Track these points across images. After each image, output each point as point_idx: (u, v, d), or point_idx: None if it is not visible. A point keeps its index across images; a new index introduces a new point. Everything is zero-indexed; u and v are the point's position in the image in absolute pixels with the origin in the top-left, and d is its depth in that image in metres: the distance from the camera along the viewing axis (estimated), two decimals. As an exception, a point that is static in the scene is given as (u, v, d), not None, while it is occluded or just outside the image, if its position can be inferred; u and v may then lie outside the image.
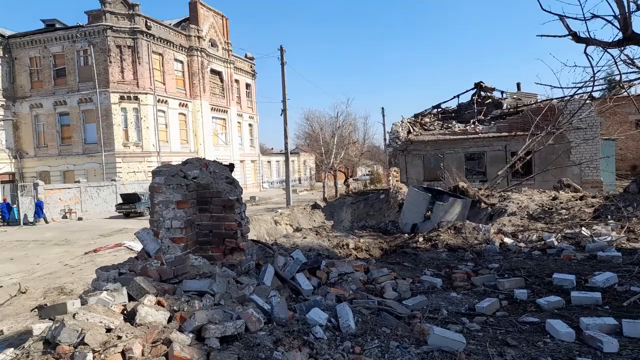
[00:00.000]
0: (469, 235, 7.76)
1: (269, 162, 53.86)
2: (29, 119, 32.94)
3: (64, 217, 24.47)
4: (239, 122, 44.66)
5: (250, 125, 47.57)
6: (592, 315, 3.90)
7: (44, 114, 32.85)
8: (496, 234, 7.91)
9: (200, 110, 37.58)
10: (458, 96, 26.18)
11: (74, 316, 2.64)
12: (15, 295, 7.58)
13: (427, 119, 25.62)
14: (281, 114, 23.46)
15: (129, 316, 2.97)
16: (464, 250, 7.11)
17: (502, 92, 25.87)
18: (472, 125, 22.63)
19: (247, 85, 47.62)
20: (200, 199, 4.85)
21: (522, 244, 7.12)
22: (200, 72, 37.74)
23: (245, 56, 47.44)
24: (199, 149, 37.25)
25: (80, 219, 23.92)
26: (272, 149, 61.95)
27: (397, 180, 20.75)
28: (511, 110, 23.22)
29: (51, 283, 8.68)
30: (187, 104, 36.92)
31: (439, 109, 26.60)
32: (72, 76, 31.83)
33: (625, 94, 10.33)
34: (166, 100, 34.48)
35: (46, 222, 22.43)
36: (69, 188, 27.08)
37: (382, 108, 60.43)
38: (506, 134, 20.73)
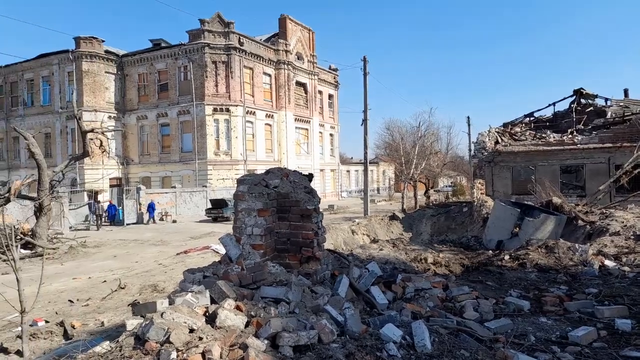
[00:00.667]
0: (563, 256, 7.10)
1: (347, 171, 54.15)
2: (136, 129, 36.52)
3: (161, 219, 26.67)
4: (320, 132, 45.55)
5: (331, 135, 48.29)
6: None
7: (148, 125, 36.23)
8: (595, 255, 7.17)
9: (285, 120, 38.97)
10: (554, 104, 24.34)
11: (161, 315, 2.85)
12: (115, 290, 8.38)
13: (517, 129, 24.11)
14: (362, 124, 23.51)
15: (210, 318, 3.14)
16: (557, 272, 6.53)
17: (606, 100, 23.57)
18: (570, 135, 20.84)
19: (330, 96, 48.49)
20: (280, 208, 5.00)
21: (626, 268, 6.38)
22: (286, 84, 39.21)
23: (330, 68, 48.40)
24: (282, 158, 38.58)
25: (174, 221, 25.91)
26: (351, 158, 62.24)
27: (481, 193, 19.73)
28: (617, 118, 21.03)
29: (146, 280, 9.48)
30: (272, 115, 38.51)
31: (532, 118, 24.91)
32: (173, 90, 34.82)
33: None
34: (254, 112, 36.30)
35: (154, 222, 24.71)
36: (165, 193, 29.50)
37: (468, 117, 57.83)
38: (610, 145, 18.80)
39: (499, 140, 22.08)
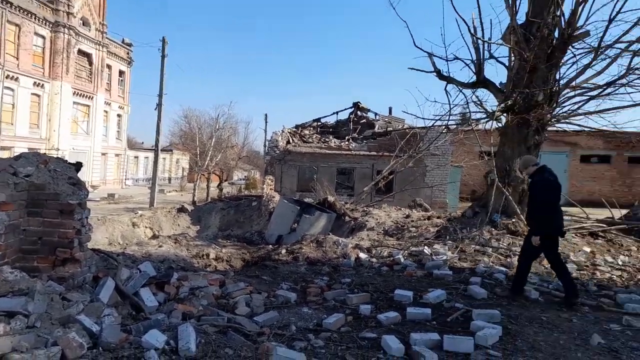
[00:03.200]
0: (329, 249, 8.07)
1: (136, 157, 49.98)
2: None
3: None
4: (105, 111, 40.70)
5: (119, 115, 43.68)
6: (422, 330, 4.29)
7: None
8: (353, 248, 8.36)
9: (60, 93, 33.34)
10: (337, 113, 27.54)
11: None
12: None
13: (307, 131, 26.38)
14: (155, 108, 21.97)
15: None
16: (323, 264, 7.36)
17: (375, 114, 27.91)
18: (347, 142, 23.92)
19: (121, 73, 43.77)
20: (33, 201, 4.21)
21: (374, 260, 7.62)
22: (65, 51, 33.61)
23: (123, 41, 43.62)
24: (52, 136, 32.94)
25: None
26: (142, 143, 57.62)
27: (271, 189, 20.88)
28: (381, 131, 25.12)
29: None
30: (43, 85, 32.49)
31: (319, 123, 27.61)
32: None
33: (472, 126, 11.85)
34: (17, 78, 29.92)
35: None
36: None
37: (266, 115, 60.71)
38: (375, 153, 22.32)
39: (290, 140, 23.77)
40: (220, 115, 29.67)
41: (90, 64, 37.92)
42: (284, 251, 8.24)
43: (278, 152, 22.22)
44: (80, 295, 3.91)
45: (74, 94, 35.41)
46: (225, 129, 30.32)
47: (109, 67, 41.08)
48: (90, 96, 37.88)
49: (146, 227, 15.43)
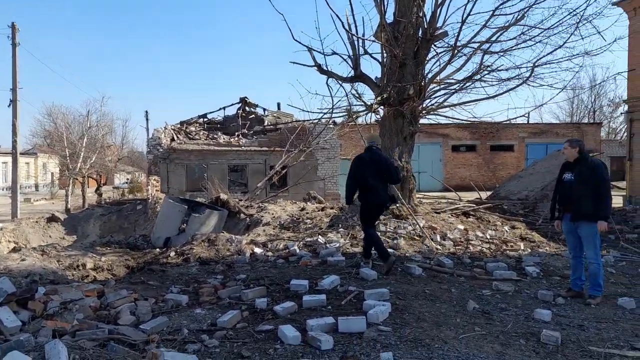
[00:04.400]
0: (222, 247, 7.80)
1: (-9, 163, 43.39)
2: None
3: None
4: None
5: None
6: (317, 316, 4.34)
7: None
8: (248, 244, 8.20)
9: None
10: (224, 108, 26.76)
11: None
12: None
13: (192, 128, 25.23)
14: (9, 105, 19.14)
15: None
16: (216, 263, 7.09)
17: (264, 109, 27.75)
18: (237, 138, 23.43)
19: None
20: None
21: (269, 253, 7.56)
22: None
23: (-37, 28, 37.25)
24: None
25: None
26: (-1, 146, 50.04)
27: (157, 190, 19.59)
28: (271, 127, 25.10)
29: None
30: None
31: (205, 119, 26.59)
32: None
33: (356, 122, 12.36)
34: None
35: None
36: None
37: (146, 112, 56.57)
38: (266, 148, 22.24)
39: (175, 137, 22.54)
40: (91, 112, 26.91)
41: None
42: (172, 253, 7.76)
43: (162, 150, 20.93)
44: None
45: None
46: (99, 128, 27.61)
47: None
48: None
49: (9, 241, 13.38)
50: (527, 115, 28.87)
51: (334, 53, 9.41)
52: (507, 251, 7.57)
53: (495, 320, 4.27)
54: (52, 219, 15.60)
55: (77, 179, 27.19)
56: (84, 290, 4.78)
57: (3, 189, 42.04)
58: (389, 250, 7.26)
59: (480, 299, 4.91)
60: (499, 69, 8.98)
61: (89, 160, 25.41)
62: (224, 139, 23.38)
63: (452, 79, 9.58)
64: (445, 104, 9.69)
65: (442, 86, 9.65)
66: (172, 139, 22.23)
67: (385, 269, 5.88)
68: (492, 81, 9.45)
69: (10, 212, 21.04)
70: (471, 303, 4.62)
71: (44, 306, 4.21)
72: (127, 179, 50.01)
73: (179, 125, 24.31)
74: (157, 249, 9.09)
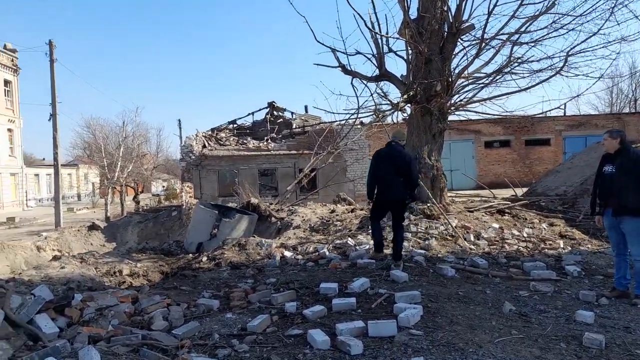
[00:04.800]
0: (252, 251, 7.85)
1: (36, 175, 45.49)
2: None
3: None
4: (-6, 127, 36.50)
5: (9, 130, 39.37)
6: (347, 320, 4.27)
7: None
8: (278, 247, 8.22)
9: None
10: (253, 113, 27.14)
11: None
12: None
13: (222, 134, 25.71)
14: (49, 119, 20.04)
15: None
16: (247, 267, 7.13)
17: (292, 113, 27.94)
18: (265, 143, 23.68)
19: (7, 83, 39.44)
20: None
21: (299, 256, 7.54)
22: (-64, 59, 29.55)
23: (5, 47, 39.32)
24: None
25: None
26: (43, 159, 52.49)
27: (190, 197, 20.04)
28: (299, 130, 25.22)
29: None
30: None
31: (235, 125, 27.04)
32: None
33: (383, 122, 12.22)
34: None
35: None
36: None
37: (179, 120, 58.18)
38: (295, 152, 22.36)
39: (206, 144, 23.00)
40: (126, 123, 27.81)
41: (-31, 74, 33.78)
42: (204, 258, 7.86)
43: (194, 157, 21.39)
44: (-43, 332, 3.36)
45: (-47, 109, 31.36)
46: (134, 137, 28.50)
47: (-8, 76, 36.85)
48: (-27, 110, 33.77)
49: (53, 249, 14.01)
50: (563, 107, 27.79)
51: (357, 53, 9.32)
52: (546, 250, 7.26)
53: (534, 322, 4.08)
54: (92, 227, 16.23)
55: (115, 188, 28.15)
56: (119, 296, 4.90)
57: (48, 200, 44.08)
58: (420, 251, 7.12)
59: (517, 301, 4.71)
60: (530, 60, 8.64)
61: (126, 169, 26.28)
62: (253, 143, 23.68)
63: (481, 72, 9.31)
64: (475, 99, 9.42)
65: (470, 81, 9.39)
66: (204, 146, 22.70)
67: (372, 257, 6.43)
68: (523, 73, 9.12)
69: (54, 222, 22.00)
70: (507, 305, 4.43)
71: (81, 313, 4.33)
72: (164, 187, 51.44)
73: (209, 132, 24.82)
74: (190, 255, 9.26)
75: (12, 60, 40.30)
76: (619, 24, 8.06)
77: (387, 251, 6.62)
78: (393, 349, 3.52)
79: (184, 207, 17.94)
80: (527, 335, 3.76)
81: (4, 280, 4.76)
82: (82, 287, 5.66)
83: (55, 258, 7.63)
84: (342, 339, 3.64)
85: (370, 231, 8.36)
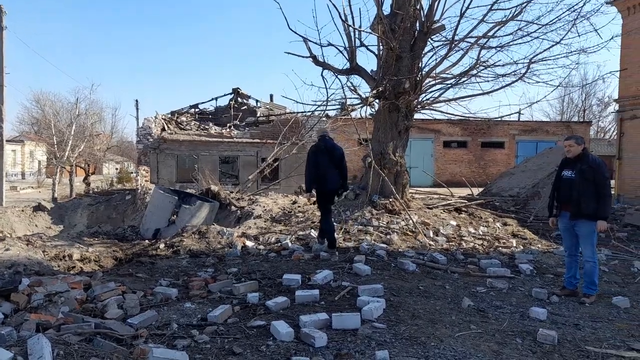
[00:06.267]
0: (213, 240, 7.67)
1: (-22, 150, 42.46)
2: None
3: None
4: None
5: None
6: (310, 312, 4.25)
7: None
8: (239, 237, 8.07)
9: None
10: (216, 99, 26.45)
11: None
12: None
13: (183, 118, 24.91)
14: (-5, 91, 18.67)
15: None
16: (207, 256, 6.96)
17: (257, 101, 27.48)
18: (228, 129, 23.19)
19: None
20: None
21: (261, 247, 7.45)
22: None
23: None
24: None
25: None
26: (-15, 134, 49.10)
27: (146, 180, 19.32)
28: (263, 118, 24.87)
29: None
30: None
31: (197, 109, 26.26)
32: None
33: (350, 116, 12.24)
34: None
35: None
36: None
37: (136, 100, 55.79)
38: (258, 140, 22.03)
39: (166, 127, 22.23)
40: (80, 100, 26.33)
41: None
42: (162, 245, 7.60)
43: (152, 140, 20.64)
44: None
45: None
46: (88, 115, 27.05)
47: None
48: None
49: (-7, 230, 13.11)
50: (519, 112, 28.99)
51: (330, 44, 9.26)
52: (500, 248, 7.55)
53: (491, 318, 4.22)
54: (38, 207, 15.30)
55: (64, 168, 26.73)
56: (70, 282, 4.63)
57: (-10, 177, 41.25)
58: (382, 245, 7.21)
59: (474, 296, 4.86)
60: (495, 64, 8.91)
61: (77, 148, 24.96)
62: (215, 130, 23.12)
63: (449, 73, 9.50)
64: (441, 98, 9.61)
65: (437, 81, 9.56)
66: (163, 129, 21.93)
67: (327, 248, 6.72)
68: (488, 77, 9.39)
69: (-5, 200, 20.59)
70: (466, 300, 4.57)
71: (28, 298, 4.06)
72: (117, 169, 49.42)
73: (169, 115, 23.98)
74: (146, 241, 8.93)
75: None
76: (579, 36, 8.46)
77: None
78: (357, 342, 3.53)
79: (139, 191, 17.25)
80: (485, 330, 3.88)
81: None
82: (29, 272, 5.31)
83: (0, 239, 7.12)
84: (306, 331, 3.61)
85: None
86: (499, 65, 9.11)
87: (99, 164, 39.12)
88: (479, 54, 8.91)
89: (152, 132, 20.87)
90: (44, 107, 27.98)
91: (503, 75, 9.13)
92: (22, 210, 14.89)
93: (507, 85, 9.25)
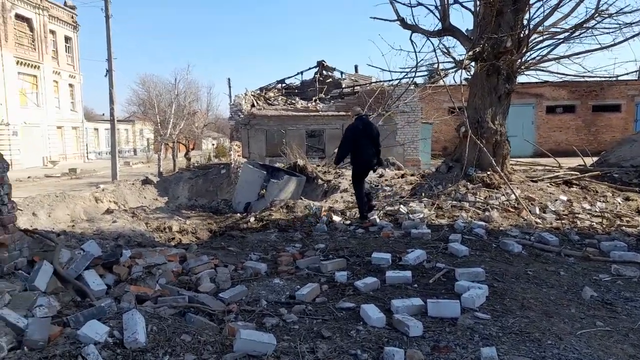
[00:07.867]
0: (300, 214, 7.63)
1: (96, 129, 47.66)
2: None
3: None
4: (55, 81, 38.09)
5: (70, 85, 41.04)
6: (402, 294, 3.95)
7: None
8: (326, 211, 7.95)
9: (1, 62, 30.77)
10: (302, 73, 26.50)
11: None
12: None
13: (271, 94, 25.38)
14: (105, 75, 20.48)
15: None
16: (295, 230, 6.93)
17: (341, 73, 27.04)
18: (314, 103, 23.16)
19: (67, 39, 40.76)
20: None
21: (348, 222, 7.24)
22: (1, 16, 30.79)
23: (65, 4, 40.39)
24: (0, 110, 30.73)
25: None
26: (102, 115, 54.83)
27: (238, 155, 20.10)
28: (348, 90, 24.43)
29: None
30: (-19, 55, 29.92)
31: (284, 84, 26.59)
32: None
33: (442, 82, 11.39)
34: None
35: None
36: None
37: (229, 79, 58.17)
38: (343, 113, 21.69)
39: (255, 103, 22.81)
40: (178, 80, 28.06)
41: (32, 29, 35.01)
42: (252, 219, 7.74)
43: (242, 116, 21.30)
44: (8, 284, 3.33)
45: (17, 63, 32.79)
46: (186, 95, 28.80)
47: (52, 32, 38.03)
48: (36, 65, 35.20)
49: (110, 201, 14.54)
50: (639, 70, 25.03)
51: (419, 4, 8.54)
52: (624, 227, 6.51)
53: (621, 313, 3.56)
54: (146, 181, 16.68)
55: (168, 144, 28.88)
56: (167, 254, 4.81)
57: (107, 153, 46.24)
58: (480, 222, 6.60)
59: (597, 285, 4.17)
60: (622, 10, 7.52)
61: (177, 126, 26.76)
62: (301, 104, 23.22)
63: (560, 27, 8.27)
64: (550, 56, 8.43)
65: (546, 36, 8.38)
66: (252, 105, 22.53)
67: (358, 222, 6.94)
68: (609, 28, 8.00)
69: (110, 175, 22.97)
70: (587, 290, 3.92)
71: (129, 270, 4.27)
72: (213, 144, 52.49)
73: (258, 91, 24.56)
74: (238, 214, 9.20)
75: (72, 17, 41.45)
76: None
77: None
78: (457, 333, 3.15)
79: (232, 165, 18.01)
80: (614, 328, 3.27)
81: (55, 233, 4.77)
82: (132, 243, 5.65)
83: (108, 211, 7.76)
84: (399, 318, 3.31)
85: (422, 200, 7.90)
86: (624, 13, 7.70)
87: (198, 140, 41.74)
88: (599, 1, 7.59)
89: (242, 109, 21.53)
90: (148, 89, 30.33)
91: (630, 24, 7.71)
92: (133, 184, 16.33)
93: (634, 36, 7.82)
